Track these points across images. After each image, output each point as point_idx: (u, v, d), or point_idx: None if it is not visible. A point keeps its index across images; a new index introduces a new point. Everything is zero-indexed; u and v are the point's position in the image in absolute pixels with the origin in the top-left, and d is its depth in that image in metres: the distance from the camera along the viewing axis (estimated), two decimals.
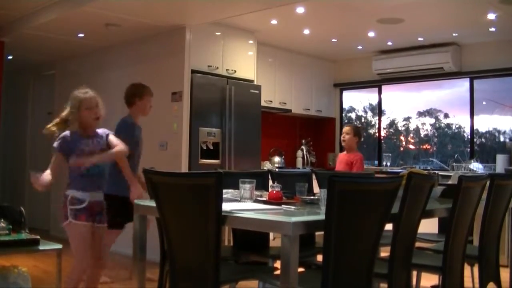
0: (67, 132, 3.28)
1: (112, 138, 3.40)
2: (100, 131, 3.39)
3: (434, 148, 7.47)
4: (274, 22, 5.86)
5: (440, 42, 6.65)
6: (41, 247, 3.31)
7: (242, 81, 6.00)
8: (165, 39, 5.63)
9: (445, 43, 6.65)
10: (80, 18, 5.19)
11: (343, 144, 5.29)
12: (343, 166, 5.12)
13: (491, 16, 5.44)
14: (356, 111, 8.24)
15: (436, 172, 5.76)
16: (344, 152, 5.27)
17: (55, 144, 3.27)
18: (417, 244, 2.99)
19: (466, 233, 2.94)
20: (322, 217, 2.16)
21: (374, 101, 7.95)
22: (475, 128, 6.87)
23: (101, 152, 3.29)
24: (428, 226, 3.58)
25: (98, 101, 3.31)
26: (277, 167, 6.98)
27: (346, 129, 5.25)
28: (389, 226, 2.39)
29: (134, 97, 4.19)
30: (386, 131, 7.93)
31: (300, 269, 2.49)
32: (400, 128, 7.81)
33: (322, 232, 2.14)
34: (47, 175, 3.19)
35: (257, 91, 6.11)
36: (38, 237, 3.34)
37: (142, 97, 4.18)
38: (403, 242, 2.57)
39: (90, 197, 3.25)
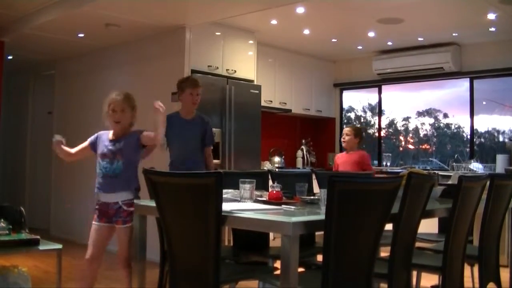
0: (102, 132, 3.33)
1: (146, 133, 3.27)
2: (133, 132, 3.31)
3: (434, 148, 7.47)
4: (274, 22, 5.86)
5: (440, 42, 6.65)
6: (41, 247, 3.30)
7: (242, 81, 5.99)
8: (165, 39, 5.62)
9: (445, 43, 6.65)
10: (80, 18, 5.18)
11: (343, 145, 5.28)
12: (349, 167, 5.05)
13: (491, 16, 5.45)
14: (355, 111, 8.24)
15: (436, 172, 5.76)
16: (344, 153, 5.27)
17: (91, 137, 3.34)
18: (417, 244, 2.99)
19: (466, 233, 2.94)
20: (322, 217, 2.16)
21: (374, 101, 7.95)
22: (474, 128, 6.87)
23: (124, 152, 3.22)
24: (428, 226, 3.59)
25: (125, 106, 3.22)
26: (277, 167, 6.98)
27: (346, 130, 5.24)
28: (389, 226, 2.39)
29: (177, 93, 4.27)
30: (386, 131, 7.93)
31: (300, 269, 2.49)
32: (399, 128, 7.81)
33: (322, 232, 2.14)
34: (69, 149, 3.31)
35: (257, 91, 6.10)
36: (38, 237, 3.33)
37: (183, 90, 4.21)
38: (403, 242, 2.57)
39: (102, 198, 3.24)
